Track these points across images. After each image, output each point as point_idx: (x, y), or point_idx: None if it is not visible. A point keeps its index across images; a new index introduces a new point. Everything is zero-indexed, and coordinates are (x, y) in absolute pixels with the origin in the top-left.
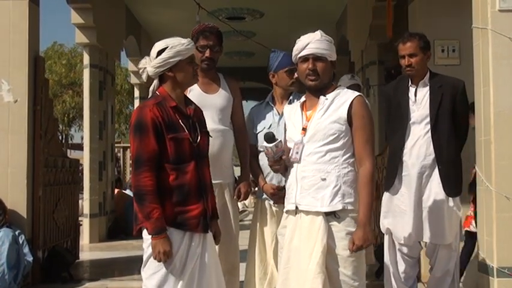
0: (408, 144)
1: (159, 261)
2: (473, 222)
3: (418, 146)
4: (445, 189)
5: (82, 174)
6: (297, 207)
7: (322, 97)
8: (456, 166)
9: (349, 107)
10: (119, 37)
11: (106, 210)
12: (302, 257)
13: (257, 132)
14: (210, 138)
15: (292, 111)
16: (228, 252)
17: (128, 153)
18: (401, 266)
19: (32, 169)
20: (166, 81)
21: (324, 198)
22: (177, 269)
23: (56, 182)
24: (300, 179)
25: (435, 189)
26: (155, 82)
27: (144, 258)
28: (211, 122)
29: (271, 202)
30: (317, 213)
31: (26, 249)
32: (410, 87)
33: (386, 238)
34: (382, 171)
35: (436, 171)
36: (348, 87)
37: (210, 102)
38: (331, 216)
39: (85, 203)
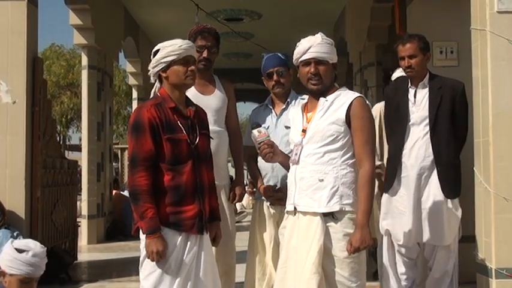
0: (407, 145)
1: (153, 260)
2: None
3: (417, 147)
4: (443, 190)
5: (80, 175)
6: (295, 208)
7: (322, 99)
8: (455, 168)
9: (348, 108)
10: (117, 38)
11: (104, 212)
12: (299, 257)
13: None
14: (211, 140)
15: (295, 113)
16: (225, 254)
17: (126, 155)
18: (400, 267)
19: (30, 170)
20: (163, 82)
21: (321, 199)
22: (173, 270)
23: (54, 183)
24: (298, 180)
25: (434, 190)
26: (156, 83)
27: (141, 258)
28: None
29: (269, 203)
30: (314, 214)
31: None
32: (409, 89)
33: (385, 239)
34: None
35: (435, 172)
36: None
37: (206, 103)
38: (328, 217)
39: (83, 204)
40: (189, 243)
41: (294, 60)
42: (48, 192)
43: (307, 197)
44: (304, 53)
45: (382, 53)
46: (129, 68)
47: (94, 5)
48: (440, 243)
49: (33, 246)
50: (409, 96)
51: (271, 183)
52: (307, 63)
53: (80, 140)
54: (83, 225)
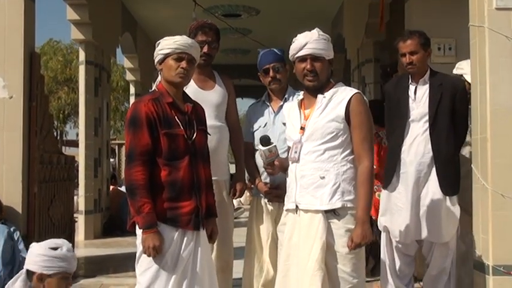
0: (407, 141)
1: (149, 255)
2: None
3: (417, 143)
4: (442, 187)
5: (77, 171)
6: (297, 206)
7: (320, 95)
8: (454, 165)
9: (347, 105)
10: (114, 34)
11: (101, 207)
12: (301, 254)
13: (253, 130)
14: (208, 136)
15: (291, 110)
16: (223, 250)
17: (123, 150)
18: (398, 264)
19: (27, 166)
20: (161, 76)
21: (323, 196)
22: (169, 266)
23: (51, 179)
24: (299, 178)
25: (433, 187)
26: (159, 77)
27: (137, 254)
28: (208, 118)
29: (267, 200)
30: (316, 211)
31: (21, 246)
32: (410, 85)
33: (383, 236)
34: None
35: (434, 169)
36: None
37: (206, 98)
38: (330, 213)
39: (80, 200)
40: (185, 239)
41: (290, 56)
42: (45, 188)
43: (309, 195)
44: (301, 49)
45: (380, 50)
46: (127, 63)
47: (91, 0)
48: (438, 240)
49: (61, 242)
50: (410, 93)
51: (268, 180)
52: (303, 59)
53: (77, 135)
54: (80, 220)
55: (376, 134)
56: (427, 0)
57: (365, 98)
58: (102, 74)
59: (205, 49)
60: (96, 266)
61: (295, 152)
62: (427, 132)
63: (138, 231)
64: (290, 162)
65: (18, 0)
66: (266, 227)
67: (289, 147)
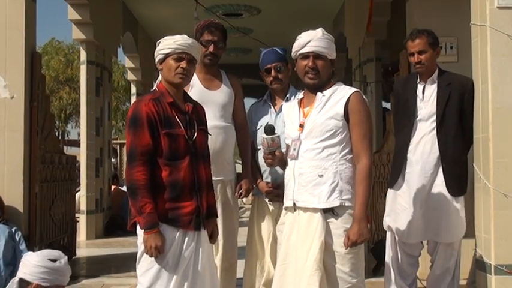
0: (413, 141)
1: (151, 256)
2: None
3: (423, 143)
4: (448, 187)
5: (79, 170)
6: (294, 204)
7: (319, 93)
8: (461, 165)
9: (346, 103)
10: (115, 33)
11: (103, 207)
12: (299, 254)
13: (254, 129)
14: (209, 136)
15: (290, 108)
16: (227, 250)
17: (125, 150)
18: (402, 264)
19: (28, 165)
20: (161, 76)
21: (321, 194)
22: (171, 266)
23: (53, 179)
24: (298, 176)
25: (439, 187)
26: (160, 76)
27: (138, 254)
28: (213, 119)
29: (268, 200)
30: (315, 210)
31: (23, 246)
32: (418, 85)
33: (388, 235)
34: (380, 168)
35: (441, 169)
36: None
37: (212, 98)
38: (329, 213)
39: (82, 200)
40: (186, 239)
41: (292, 53)
42: (47, 188)
43: (307, 193)
44: (304, 46)
45: (381, 49)
46: (128, 63)
47: (92, 0)
48: (443, 240)
49: (58, 254)
50: (418, 92)
51: (269, 179)
52: (305, 56)
53: (79, 135)
54: (82, 220)
55: None
56: None
57: (364, 97)
58: (104, 73)
59: (211, 48)
60: (98, 266)
61: (294, 149)
62: (434, 131)
63: (140, 232)
64: (288, 160)
65: None
66: (267, 226)
67: (287, 145)
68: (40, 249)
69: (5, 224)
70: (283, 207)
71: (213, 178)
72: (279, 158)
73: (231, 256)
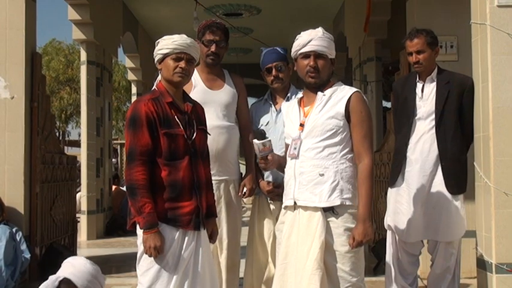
0: (413, 139)
1: (150, 256)
2: None
3: (422, 141)
4: (447, 186)
5: (79, 171)
6: (295, 203)
7: (319, 93)
8: (460, 163)
9: (346, 103)
10: (116, 33)
11: (103, 207)
12: (300, 253)
13: (255, 129)
14: (212, 136)
15: (290, 107)
16: (230, 249)
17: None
18: (402, 263)
19: (29, 166)
20: (160, 75)
21: (322, 193)
22: (170, 266)
23: (54, 179)
24: (298, 175)
25: (438, 186)
26: (159, 76)
27: (138, 254)
28: (216, 119)
29: (269, 199)
30: (315, 209)
31: (24, 246)
32: (417, 83)
33: (389, 234)
34: (380, 167)
35: (440, 167)
36: None
37: (215, 98)
38: (329, 212)
39: (82, 200)
40: (186, 239)
41: (292, 52)
42: (47, 188)
43: (308, 192)
44: (304, 45)
45: (382, 48)
46: (128, 63)
47: (93, 0)
48: (442, 239)
49: (97, 267)
50: (417, 91)
51: (270, 179)
52: (306, 56)
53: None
54: (83, 220)
55: None
56: None
57: (364, 97)
58: (104, 73)
59: (213, 48)
60: (99, 266)
61: (295, 149)
62: (433, 130)
63: (139, 231)
64: (289, 159)
65: None
66: (268, 226)
67: (287, 145)
68: (41, 249)
69: (6, 225)
70: (283, 206)
71: (217, 178)
72: (273, 162)
73: (234, 255)
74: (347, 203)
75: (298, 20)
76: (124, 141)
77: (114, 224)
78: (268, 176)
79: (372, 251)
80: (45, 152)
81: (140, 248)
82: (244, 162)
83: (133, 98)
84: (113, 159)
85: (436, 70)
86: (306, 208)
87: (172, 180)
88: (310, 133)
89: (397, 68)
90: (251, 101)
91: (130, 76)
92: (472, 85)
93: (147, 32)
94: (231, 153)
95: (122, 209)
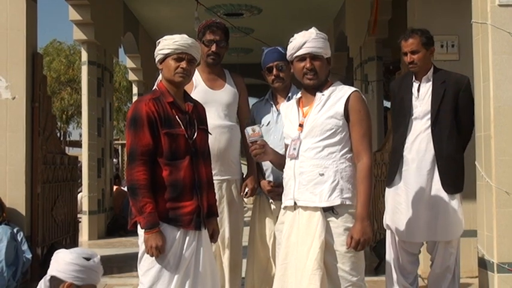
0: (409, 139)
1: (152, 256)
2: None
3: (419, 141)
4: (444, 185)
5: (80, 171)
6: (295, 203)
7: (318, 93)
8: (457, 162)
9: (345, 102)
10: (116, 34)
11: (105, 207)
12: (300, 253)
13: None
14: (213, 135)
15: (288, 108)
16: (232, 249)
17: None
18: (402, 262)
19: (30, 166)
20: (161, 75)
21: (322, 193)
22: (172, 266)
23: (55, 179)
24: (298, 175)
25: (435, 185)
26: (160, 76)
27: (139, 254)
28: (217, 118)
29: (270, 198)
30: (315, 209)
31: (25, 247)
32: (413, 83)
33: (388, 234)
34: (381, 167)
35: (436, 167)
36: None
37: (216, 98)
38: (329, 212)
39: (84, 200)
40: (187, 238)
41: (288, 55)
42: (49, 188)
43: (308, 192)
44: (300, 48)
45: (383, 48)
46: (129, 63)
47: (93, 1)
48: (441, 238)
49: (91, 253)
50: (413, 91)
51: (271, 178)
52: (302, 58)
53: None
54: (84, 221)
55: None
56: None
57: (363, 96)
58: (105, 74)
59: (213, 48)
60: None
61: (294, 149)
62: (429, 129)
63: (140, 231)
64: (288, 159)
65: (20, 0)
66: (269, 226)
67: (286, 145)
68: (42, 249)
69: (7, 225)
70: (282, 206)
71: (219, 177)
72: (267, 152)
73: (236, 255)
74: (347, 203)
75: (299, 19)
76: (125, 142)
77: (115, 224)
78: (269, 175)
79: (373, 250)
80: (47, 152)
81: (141, 248)
82: (245, 163)
83: (134, 98)
84: (114, 160)
85: (432, 70)
86: (305, 208)
87: (173, 180)
88: (310, 133)
89: (398, 68)
90: (252, 101)
91: (131, 76)
92: (468, 84)
93: (148, 32)
94: (233, 153)
95: (123, 209)
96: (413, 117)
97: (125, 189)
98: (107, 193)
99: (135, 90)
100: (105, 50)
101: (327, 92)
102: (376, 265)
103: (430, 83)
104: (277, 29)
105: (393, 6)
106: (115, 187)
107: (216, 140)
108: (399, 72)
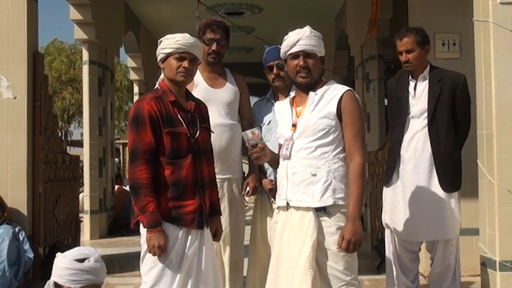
0: (406, 138)
1: (154, 255)
2: None
3: (416, 140)
4: (442, 184)
5: (82, 170)
6: (288, 203)
7: (311, 93)
8: (454, 161)
9: (338, 102)
10: (117, 33)
11: (106, 207)
12: (292, 253)
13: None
14: (214, 134)
15: (282, 107)
16: (233, 248)
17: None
18: (403, 260)
19: (31, 166)
20: (163, 74)
21: (315, 193)
22: (174, 264)
23: (56, 179)
24: (291, 175)
25: (433, 184)
26: (162, 75)
27: (142, 253)
28: (219, 117)
29: (271, 197)
30: (307, 209)
31: (27, 246)
32: (410, 82)
33: (387, 232)
34: (383, 165)
35: (434, 165)
36: None
37: (217, 96)
38: (321, 211)
39: (85, 200)
40: (190, 237)
41: (281, 53)
42: (50, 188)
43: (300, 192)
44: (293, 45)
45: (384, 46)
46: (130, 63)
47: (94, 0)
48: (440, 237)
49: (89, 252)
50: (410, 89)
51: (272, 177)
52: (295, 56)
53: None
54: (86, 220)
55: None
56: None
57: (356, 95)
58: (106, 73)
59: (213, 47)
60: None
61: (287, 149)
62: (426, 128)
63: (143, 230)
64: (281, 159)
65: None
66: (270, 224)
67: (280, 145)
68: (44, 249)
69: (9, 224)
70: (275, 206)
71: (220, 176)
72: (266, 153)
73: (237, 254)
74: (339, 203)
75: (300, 18)
76: (126, 141)
77: (117, 224)
78: (270, 174)
79: (375, 249)
80: (48, 151)
81: (144, 247)
82: (247, 162)
83: (136, 98)
84: (115, 159)
85: (428, 68)
86: (298, 208)
87: (175, 179)
88: (303, 133)
89: (399, 66)
90: (253, 99)
91: (132, 76)
92: (465, 82)
93: (149, 31)
94: (234, 152)
95: (124, 208)
96: (410, 115)
97: (127, 188)
98: (108, 192)
99: (136, 89)
100: (106, 49)
101: (320, 91)
102: (378, 264)
103: (427, 81)
104: (278, 28)
105: (394, 4)
106: (116, 186)
107: (217, 139)
108: (400, 70)
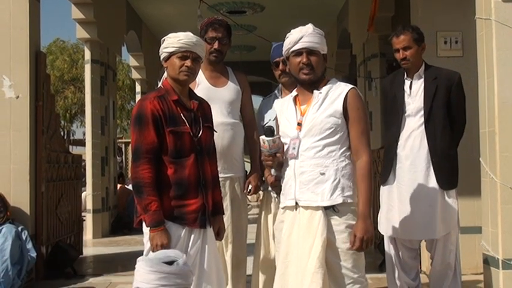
0: (403, 136)
1: None
2: None
3: (412, 138)
4: (438, 181)
5: (84, 169)
6: (296, 203)
7: (316, 91)
8: (451, 159)
9: (344, 100)
10: (119, 32)
11: (109, 206)
12: (301, 252)
13: (263, 124)
14: (216, 133)
15: (284, 105)
16: (235, 246)
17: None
18: (403, 258)
19: (34, 165)
20: (166, 73)
21: (324, 192)
22: None
23: (59, 178)
24: (299, 175)
25: (430, 182)
26: (165, 73)
27: (145, 252)
28: (221, 116)
29: (275, 194)
30: (316, 208)
31: (30, 245)
32: (405, 80)
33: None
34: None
35: (431, 163)
36: None
37: (219, 95)
38: (330, 210)
39: (88, 199)
40: (192, 236)
41: (284, 51)
42: (53, 187)
43: (309, 191)
44: (296, 43)
45: (386, 44)
46: (132, 62)
47: None
48: (438, 235)
49: (175, 254)
50: (405, 88)
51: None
52: (298, 53)
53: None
54: (88, 219)
55: None
56: None
57: (360, 93)
58: (108, 72)
59: (215, 45)
60: (105, 265)
61: (294, 148)
62: (423, 126)
63: (145, 229)
64: (288, 159)
65: None
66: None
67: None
68: (47, 248)
69: (12, 224)
70: (281, 206)
71: (222, 175)
72: (279, 160)
73: (240, 252)
74: (348, 201)
75: (301, 17)
76: (129, 140)
77: (119, 223)
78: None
79: (377, 247)
80: (50, 151)
81: (147, 246)
82: (249, 160)
83: (138, 97)
84: (118, 158)
85: (423, 66)
86: (307, 207)
87: (178, 178)
88: (309, 132)
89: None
90: (255, 98)
91: (135, 75)
92: (460, 80)
93: (151, 30)
94: (236, 150)
95: (127, 207)
96: (406, 114)
97: (129, 187)
98: (111, 191)
99: (138, 88)
100: (108, 48)
101: (324, 90)
102: (381, 262)
103: (422, 79)
104: (280, 27)
105: (396, 2)
106: (119, 185)
107: (219, 137)
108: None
